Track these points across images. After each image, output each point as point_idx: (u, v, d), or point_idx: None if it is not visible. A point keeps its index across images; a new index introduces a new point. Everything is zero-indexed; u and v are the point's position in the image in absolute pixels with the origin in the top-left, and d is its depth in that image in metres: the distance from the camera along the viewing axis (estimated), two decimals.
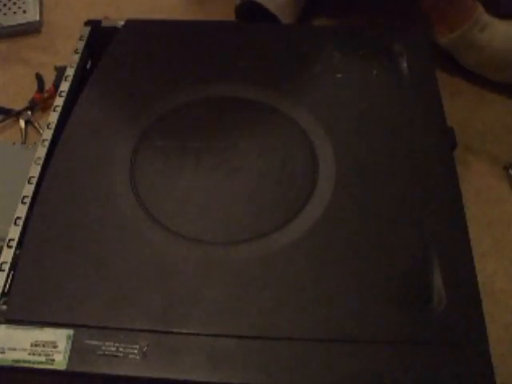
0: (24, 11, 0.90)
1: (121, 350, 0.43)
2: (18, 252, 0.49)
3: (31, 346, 0.44)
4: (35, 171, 0.54)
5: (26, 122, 0.77)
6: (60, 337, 0.44)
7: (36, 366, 0.43)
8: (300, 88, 0.59)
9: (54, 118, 0.58)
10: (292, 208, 0.51)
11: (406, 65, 0.59)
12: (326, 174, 0.53)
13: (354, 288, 0.46)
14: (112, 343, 0.43)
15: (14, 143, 0.74)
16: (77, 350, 0.43)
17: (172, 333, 0.44)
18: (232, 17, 0.76)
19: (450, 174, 0.53)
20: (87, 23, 0.67)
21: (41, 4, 0.92)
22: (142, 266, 0.48)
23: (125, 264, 0.48)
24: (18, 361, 0.43)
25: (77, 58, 0.63)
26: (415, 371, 0.43)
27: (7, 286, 0.47)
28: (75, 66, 0.62)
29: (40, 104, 0.79)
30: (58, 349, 0.43)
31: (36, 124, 0.77)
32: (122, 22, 0.66)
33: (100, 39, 0.65)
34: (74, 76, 0.62)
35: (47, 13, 0.91)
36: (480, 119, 0.69)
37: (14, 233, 0.50)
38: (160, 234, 0.49)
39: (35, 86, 0.80)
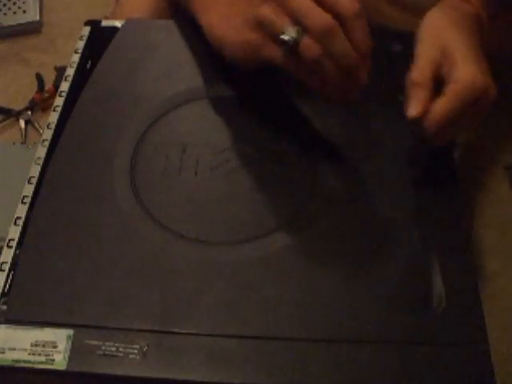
0: (24, 11, 0.90)
1: (121, 350, 0.43)
2: (18, 252, 0.49)
3: (31, 345, 0.44)
4: (35, 171, 0.54)
5: (26, 122, 0.78)
6: (60, 337, 0.44)
7: (36, 366, 0.43)
8: (300, 88, 0.59)
9: (54, 118, 0.58)
10: (292, 208, 0.51)
11: (405, 65, 0.59)
12: (325, 174, 0.53)
13: (354, 288, 0.46)
14: (112, 343, 0.43)
15: (14, 143, 0.75)
16: (77, 350, 0.43)
17: (172, 333, 0.44)
18: None
19: (450, 174, 0.53)
20: (87, 23, 0.67)
21: (41, 4, 0.92)
22: (142, 265, 0.48)
23: (125, 264, 0.48)
24: (17, 361, 0.43)
25: (77, 58, 0.63)
26: (415, 371, 0.43)
27: (7, 286, 0.47)
28: (75, 66, 0.62)
29: (40, 104, 0.79)
30: (57, 349, 0.43)
31: (36, 124, 0.77)
32: (122, 22, 0.66)
33: (100, 39, 0.65)
34: (73, 76, 0.61)
35: (47, 13, 0.91)
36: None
37: (14, 233, 0.50)
38: (160, 234, 0.49)
39: (35, 86, 0.81)
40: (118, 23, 0.66)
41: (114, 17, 0.74)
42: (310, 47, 0.47)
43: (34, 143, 0.74)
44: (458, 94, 0.48)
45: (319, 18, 0.46)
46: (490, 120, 0.68)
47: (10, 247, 0.49)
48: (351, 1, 0.46)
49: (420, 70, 0.50)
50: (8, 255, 0.49)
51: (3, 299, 0.46)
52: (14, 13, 0.91)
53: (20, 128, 0.77)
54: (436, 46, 0.51)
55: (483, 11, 0.56)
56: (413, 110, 0.49)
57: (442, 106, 0.48)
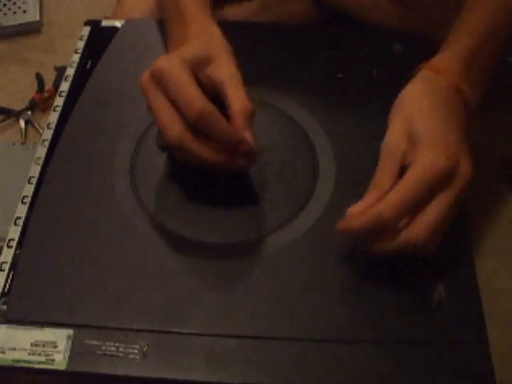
0: (24, 11, 0.90)
1: (121, 350, 0.43)
2: (18, 252, 0.49)
3: (31, 345, 0.44)
4: (35, 171, 0.54)
5: (26, 122, 0.78)
6: (60, 337, 0.44)
7: (36, 365, 0.43)
8: (300, 88, 0.59)
9: (54, 118, 0.58)
10: (292, 208, 0.51)
11: (406, 65, 0.59)
12: (325, 174, 0.53)
13: (354, 288, 0.46)
14: (112, 343, 0.43)
15: (13, 143, 0.75)
16: (77, 349, 0.43)
17: (172, 333, 0.44)
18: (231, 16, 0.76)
19: None
20: (87, 23, 0.67)
21: (41, 4, 0.92)
22: (142, 265, 0.48)
23: (125, 264, 0.48)
24: (17, 361, 0.43)
25: (77, 57, 0.63)
26: (415, 371, 0.43)
27: (7, 286, 0.47)
28: (75, 65, 0.62)
29: (40, 104, 0.79)
30: (57, 349, 0.43)
31: (36, 124, 0.77)
32: (122, 22, 0.66)
33: (100, 39, 0.65)
34: (73, 76, 0.62)
35: (47, 13, 0.91)
36: (480, 119, 0.68)
37: (14, 233, 0.50)
38: (160, 234, 0.49)
39: (35, 86, 0.81)
40: (118, 23, 0.66)
41: (114, 17, 0.74)
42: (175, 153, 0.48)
43: (34, 143, 0.75)
44: (415, 179, 0.43)
45: (168, 133, 0.46)
46: (490, 120, 0.69)
47: (9, 247, 0.49)
48: (192, 103, 0.45)
49: (382, 167, 0.47)
50: (8, 255, 0.49)
51: (3, 299, 0.46)
52: (14, 13, 0.91)
53: (20, 128, 0.77)
54: (403, 133, 0.47)
55: (465, 82, 0.50)
56: (352, 208, 0.45)
57: (395, 194, 0.43)
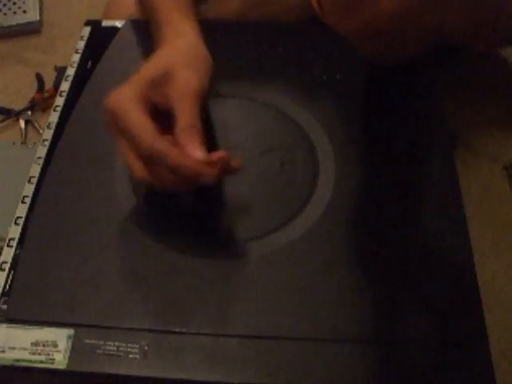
0: (24, 11, 0.90)
1: (121, 349, 0.43)
2: (18, 252, 0.49)
3: (31, 345, 0.44)
4: (35, 171, 0.54)
5: (26, 122, 0.78)
6: (60, 336, 0.44)
7: (36, 365, 0.43)
8: (300, 88, 0.59)
9: (54, 118, 0.58)
10: (292, 208, 0.51)
11: (405, 65, 0.59)
12: (325, 174, 0.53)
13: (354, 288, 0.46)
14: (112, 343, 0.43)
15: (14, 143, 0.75)
16: (77, 349, 0.43)
17: (172, 332, 0.44)
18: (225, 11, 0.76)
19: (449, 174, 0.53)
20: (87, 23, 0.67)
21: (41, 4, 0.92)
22: (143, 265, 0.48)
23: (125, 263, 0.48)
24: (18, 360, 0.43)
25: (77, 57, 0.63)
26: (415, 371, 0.43)
27: (7, 285, 0.47)
28: (75, 66, 0.62)
29: (40, 104, 0.79)
30: (58, 348, 0.43)
31: (36, 124, 0.77)
32: (122, 22, 0.66)
33: (100, 39, 0.65)
34: (74, 76, 0.62)
35: (47, 13, 0.91)
36: (480, 119, 0.69)
37: (15, 232, 0.50)
38: (160, 234, 0.49)
39: (35, 86, 0.81)
40: (118, 23, 0.66)
41: (108, 8, 0.74)
42: None
43: (34, 143, 0.75)
44: None
45: (131, 172, 0.46)
46: (490, 120, 0.69)
47: (10, 247, 0.49)
48: (140, 143, 0.45)
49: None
50: (8, 255, 0.49)
51: (4, 299, 0.46)
52: (14, 13, 0.91)
53: (20, 128, 0.77)
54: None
55: None
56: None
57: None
